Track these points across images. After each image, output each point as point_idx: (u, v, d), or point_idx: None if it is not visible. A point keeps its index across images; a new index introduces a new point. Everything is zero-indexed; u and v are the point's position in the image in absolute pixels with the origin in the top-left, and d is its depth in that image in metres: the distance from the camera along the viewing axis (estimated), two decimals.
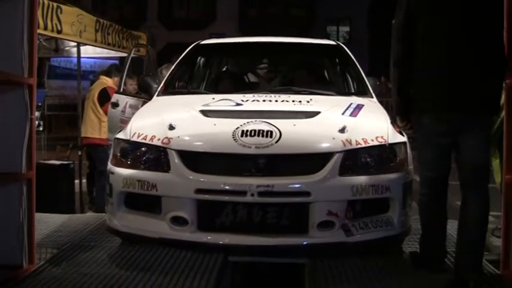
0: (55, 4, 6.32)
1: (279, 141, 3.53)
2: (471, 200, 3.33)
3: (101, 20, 8.15)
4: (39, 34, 5.19)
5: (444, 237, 3.56)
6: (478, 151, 3.32)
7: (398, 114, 3.67)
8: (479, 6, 3.24)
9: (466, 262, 3.33)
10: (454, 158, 3.44)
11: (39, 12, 5.61)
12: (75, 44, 7.91)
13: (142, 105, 5.30)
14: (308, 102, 4.27)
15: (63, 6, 6.44)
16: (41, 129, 8.64)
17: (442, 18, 3.31)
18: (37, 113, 5.62)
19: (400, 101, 3.58)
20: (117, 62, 11.20)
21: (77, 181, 5.96)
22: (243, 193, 3.43)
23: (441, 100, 3.31)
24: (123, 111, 5.53)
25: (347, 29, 29.56)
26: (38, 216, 4.44)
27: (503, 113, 3.52)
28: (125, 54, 7.77)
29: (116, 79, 7.20)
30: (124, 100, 5.63)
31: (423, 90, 3.38)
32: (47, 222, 5.02)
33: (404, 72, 3.49)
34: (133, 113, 5.33)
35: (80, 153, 7.36)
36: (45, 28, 6.01)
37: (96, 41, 7.87)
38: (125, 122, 5.40)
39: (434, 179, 3.45)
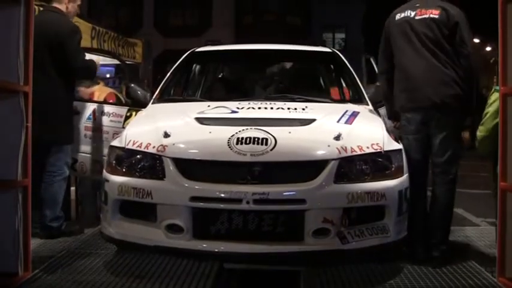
0: None
1: (274, 149, 3.53)
2: (439, 182, 4.11)
3: (97, 27, 8.18)
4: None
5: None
6: (444, 142, 4.05)
7: (389, 117, 4.56)
8: (426, 29, 4.11)
9: (436, 233, 4.06)
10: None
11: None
12: None
13: (128, 112, 5.29)
14: (303, 109, 4.27)
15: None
16: None
17: (401, 40, 4.20)
18: None
19: (388, 107, 4.50)
20: (113, 69, 11.23)
21: (72, 188, 5.95)
22: (238, 201, 3.42)
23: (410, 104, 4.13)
24: (90, 118, 5.45)
25: (342, 35, 29.68)
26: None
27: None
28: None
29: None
30: (88, 107, 5.46)
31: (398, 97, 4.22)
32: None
33: (386, 83, 4.37)
34: (111, 121, 5.35)
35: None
36: None
37: (91, 48, 7.87)
38: (96, 129, 5.38)
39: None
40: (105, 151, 5.03)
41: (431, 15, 4.11)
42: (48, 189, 4.80)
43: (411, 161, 4.01)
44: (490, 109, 4.05)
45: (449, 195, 4.11)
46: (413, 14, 4.18)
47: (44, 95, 4.50)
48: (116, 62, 9.02)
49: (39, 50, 4.45)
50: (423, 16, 4.14)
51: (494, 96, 4.02)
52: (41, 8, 5.57)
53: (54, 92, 4.72)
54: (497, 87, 3.95)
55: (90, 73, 5.10)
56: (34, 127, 4.20)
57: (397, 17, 4.27)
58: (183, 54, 5.55)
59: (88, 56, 5.16)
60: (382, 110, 5.40)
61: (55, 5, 4.84)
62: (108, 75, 11.68)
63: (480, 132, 4.16)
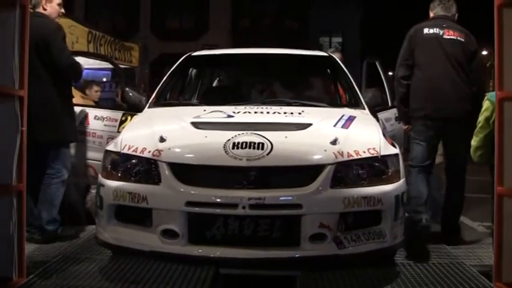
0: None
1: (271, 154, 3.51)
2: (453, 178, 4.95)
3: (93, 31, 8.18)
4: None
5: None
6: (457, 147, 4.77)
7: (401, 120, 5.19)
8: (453, 48, 4.76)
9: (450, 218, 4.95)
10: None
11: None
12: None
13: (123, 116, 5.28)
14: (300, 114, 4.27)
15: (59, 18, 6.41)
16: None
17: (429, 53, 4.76)
18: None
19: (403, 110, 4.96)
20: (109, 73, 11.22)
21: None
22: (234, 206, 3.40)
23: (435, 114, 4.72)
24: (82, 123, 5.43)
25: (339, 39, 29.72)
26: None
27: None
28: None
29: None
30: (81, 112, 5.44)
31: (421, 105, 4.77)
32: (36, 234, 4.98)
33: (406, 88, 4.85)
34: (105, 125, 5.33)
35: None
36: None
37: (88, 52, 7.87)
38: (90, 134, 5.37)
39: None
40: (95, 155, 5.05)
41: (459, 38, 4.79)
42: (46, 191, 4.81)
43: (417, 158, 4.79)
44: (481, 118, 4.10)
45: (462, 188, 4.94)
46: (441, 32, 4.79)
47: (39, 97, 4.51)
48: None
49: (29, 53, 4.49)
50: (451, 37, 4.79)
51: (485, 106, 4.06)
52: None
53: (47, 94, 4.74)
54: (489, 95, 4.00)
55: (77, 72, 5.08)
56: (32, 129, 4.26)
57: (425, 31, 4.83)
58: (180, 58, 5.55)
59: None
60: (382, 114, 5.41)
61: (36, 10, 4.87)
62: (104, 79, 11.68)
63: (474, 142, 4.20)
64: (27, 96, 4.36)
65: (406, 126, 5.11)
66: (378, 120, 4.92)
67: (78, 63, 5.02)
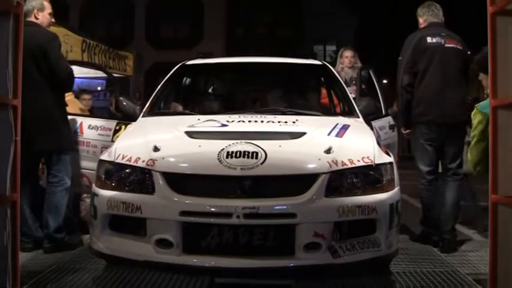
0: None
1: (265, 163, 3.51)
2: (451, 181, 5.11)
3: (87, 40, 8.18)
4: None
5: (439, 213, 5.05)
6: (455, 151, 5.06)
7: (403, 125, 5.39)
8: (454, 57, 5.01)
9: (446, 224, 5.03)
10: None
11: None
12: None
13: (117, 126, 5.27)
14: (294, 122, 4.26)
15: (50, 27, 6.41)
16: None
17: (433, 62, 4.96)
18: None
19: (406, 116, 5.22)
20: (103, 81, 11.22)
21: None
22: (228, 215, 3.39)
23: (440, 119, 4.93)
24: (76, 132, 5.43)
25: (333, 48, 29.79)
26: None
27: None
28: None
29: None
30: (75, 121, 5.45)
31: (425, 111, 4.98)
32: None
33: (411, 96, 5.09)
34: (99, 134, 5.33)
35: None
36: None
37: (82, 61, 7.87)
38: (84, 143, 5.36)
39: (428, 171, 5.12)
40: (89, 164, 5.05)
41: (458, 46, 5.05)
42: (51, 199, 4.89)
43: (425, 161, 5.11)
44: (475, 133, 4.13)
45: (459, 190, 5.15)
46: (443, 41, 5.03)
47: (37, 106, 4.65)
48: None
49: (24, 62, 4.50)
50: (452, 45, 5.04)
51: (478, 118, 4.08)
52: None
53: (46, 102, 4.81)
54: (480, 106, 4.03)
55: (73, 81, 5.16)
56: (32, 139, 4.42)
57: (429, 40, 5.04)
58: (175, 67, 5.55)
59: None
60: (376, 123, 5.43)
61: (28, 19, 4.89)
62: (99, 88, 11.68)
63: (471, 157, 4.23)
64: (25, 106, 4.44)
65: (407, 131, 5.36)
66: (372, 128, 4.92)
67: (72, 72, 5.05)
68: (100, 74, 9.48)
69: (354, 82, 6.67)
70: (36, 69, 4.77)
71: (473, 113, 4.63)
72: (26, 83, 4.52)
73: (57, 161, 4.92)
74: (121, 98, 5.09)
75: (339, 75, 5.91)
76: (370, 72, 6.34)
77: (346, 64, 6.89)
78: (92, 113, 7.47)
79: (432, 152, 5.12)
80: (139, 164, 3.66)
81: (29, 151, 4.65)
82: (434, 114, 5.02)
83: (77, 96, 7.51)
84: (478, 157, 4.19)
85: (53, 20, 5.19)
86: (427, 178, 5.13)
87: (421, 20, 5.32)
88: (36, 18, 4.97)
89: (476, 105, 4.55)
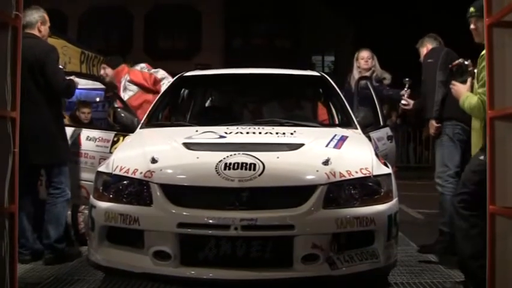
0: None
1: (262, 174, 3.51)
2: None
3: (86, 52, 8.20)
4: None
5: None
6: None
7: (435, 119, 5.24)
8: None
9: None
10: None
11: None
12: None
13: (115, 137, 5.27)
14: (292, 134, 4.27)
15: (48, 38, 6.44)
16: None
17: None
18: None
19: (441, 110, 5.19)
20: (102, 93, 11.22)
21: (68, 212, 5.91)
22: (226, 227, 3.38)
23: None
24: (75, 144, 5.43)
25: (332, 58, 29.87)
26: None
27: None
28: None
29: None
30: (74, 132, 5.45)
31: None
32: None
33: (446, 90, 5.00)
34: (97, 146, 5.33)
35: None
36: None
37: (81, 72, 7.88)
38: (82, 155, 5.37)
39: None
40: (87, 176, 5.05)
41: None
42: (52, 210, 4.92)
43: (455, 161, 5.10)
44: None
45: None
46: None
47: (35, 119, 4.69)
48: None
49: (23, 76, 4.52)
50: None
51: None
52: None
53: (43, 115, 4.83)
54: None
55: (70, 91, 5.18)
56: (30, 151, 4.52)
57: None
58: (173, 78, 5.56)
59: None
60: (374, 134, 5.43)
61: (27, 30, 4.91)
62: (97, 99, 11.68)
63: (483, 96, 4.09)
64: (23, 119, 4.45)
65: (438, 125, 5.27)
66: (370, 139, 4.93)
67: (72, 82, 5.11)
68: (98, 85, 9.47)
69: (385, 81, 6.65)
70: (34, 81, 4.79)
71: (479, 59, 4.45)
72: (24, 96, 4.58)
73: (58, 173, 4.96)
74: (119, 110, 5.10)
75: (352, 81, 5.96)
76: (368, 83, 6.35)
77: (362, 66, 6.59)
78: (91, 124, 7.47)
79: (460, 153, 5.12)
80: (137, 175, 3.66)
81: (27, 164, 4.70)
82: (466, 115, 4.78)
83: (76, 109, 7.53)
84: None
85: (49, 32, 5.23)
86: (456, 178, 5.02)
87: (429, 47, 5.56)
88: (39, 31, 5.01)
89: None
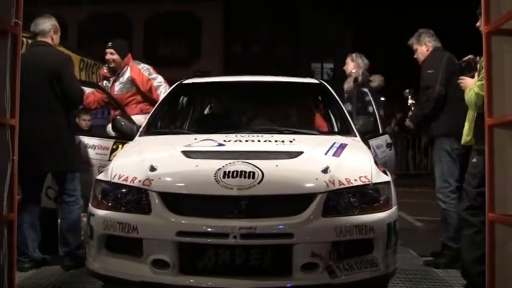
0: None
1: (262, 182, 3.50)
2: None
3: (85, 59, 8.19)
4: None
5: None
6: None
7: (415, 124, 5.56)
8: None
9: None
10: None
11: (22, 51, 5.62)
12: None
13: (114, 145, 5.27)
14: (291, 142, 4.26)
15: None
16: None
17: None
18: None
19: (423, 124, 5.41)
20: None
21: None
22: (225, 235, 3.37)
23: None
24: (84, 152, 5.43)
25: (331, 65, 29.89)
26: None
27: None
28: None
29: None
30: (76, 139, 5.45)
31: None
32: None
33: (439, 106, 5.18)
34: (96, 153, 5.33)
35: None
36: None
37: (80, 79, 7.87)
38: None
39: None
40: None
41: None
42: (69, 218, 4.98)
43: (455, 176, 5.13)
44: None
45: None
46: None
47: (51, 127, 4.84)
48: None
49: (38, 83, 4.82)
50: None
51: None
52: (29, 41, 5.66)
53: (59, 123, 4.93)
54: None
55: (82, 101, 5.35)
56: (44, 160, 4.74)
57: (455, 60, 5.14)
58: (173, 85, 5.56)
59: None
60: (373, 141, 5.43)
61: (40, 38, 4.96)
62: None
63: (482, 91, 4.10)
64: (37, 126, 4.66)
65: (413, 127, 5.57)
66: (369, 147, 4.92)
67: (83, 91, 5.26)
68: None
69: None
70: (51, 90, 4.88)
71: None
72: (39, 104, 4.83)
73: (71, 180, 5.02)
74: (118, 117, 5.10)
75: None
76: (367, 90, 6.35)
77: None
78: (91, 131, 7.48)
79: (459, 168, 5.12)
80: (136, 183, 3.65)
81: (39, 171, 4.91)
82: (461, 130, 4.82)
83: (76, 116, 7.52)
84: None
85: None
86: (457, 193, 5.07)
87: (428, 44, 5.48)
88: (52, 39, 5.06)
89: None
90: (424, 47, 5.50)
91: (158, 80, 6.36)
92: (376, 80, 6.87)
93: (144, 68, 6.48)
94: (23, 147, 4.78)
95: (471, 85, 4.30)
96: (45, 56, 4.93)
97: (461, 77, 4.61)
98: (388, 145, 5.91)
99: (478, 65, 4.28)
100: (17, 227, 4.76)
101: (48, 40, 5.05)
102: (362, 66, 6.76)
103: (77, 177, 5.06)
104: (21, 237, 4.83)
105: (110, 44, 6.48)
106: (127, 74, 6.36)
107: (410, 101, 5.73)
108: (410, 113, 5.79)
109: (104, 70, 6.61)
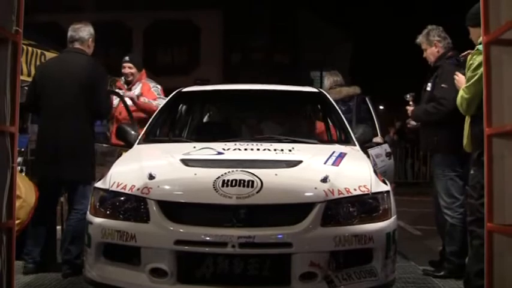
0: (39, 51, 6.36)
1: (260, 191, 3.49)
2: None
3: None
4: (23, 80, 5.24)
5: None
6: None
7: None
8: None
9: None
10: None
11: (22, 59, 5.64)
12: None
13: (119, 152, 5.28)
14: (290, 150, 4.25)
15: (46, 53, 6.47)
16: (23, 174, 8.59)
17: None
18: (20, 159, 5.59)
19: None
20: None
21: (58, 227, 5.89)
22: (223, 244, 3.36)
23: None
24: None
25: None
26: (18, 264, 4.39)
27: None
28: None
29: None
30: None
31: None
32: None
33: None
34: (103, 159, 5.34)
35: (62, 199, 7.27)
36: (29, 75, 6.00)
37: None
38: None
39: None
40: None
41: None
42: (75, 226, 4.92)
43: (459, 191, 5.04)
44: (479, 71, 3.99)
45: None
46: None
47: (76, 134, 4.88)
48: None
49: (71, 90, 4.86)
50: None
51: (480, 58, 3.97)
52: (29, 48, 5.68)
53: (84, 132, 4.98)
54: (480, 47, 3.99)
55: (110, 113, 5.51)
56: (67, 167, 4.80)
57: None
58: (172, 93, 5.57)
59: None
60: (372, 151, 5.42)
61: (78, 46, 5.04)
62: None
63: (468, 93, 4.10)
64: (64, 132, 4.79)
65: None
66: (368, 156, 4.92)
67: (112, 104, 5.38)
68: None
69: None
70: (82, 99, 4.89)
71: (472, 55, 4.36)
72: (68, 112, 4.87)
73: (84, 189, 4.99)
74: (121, 125, 5.12)
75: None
76: (367, 99, 6.36)
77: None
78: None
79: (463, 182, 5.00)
80: (134, 191, 3.64)
81: (59, 178, 4.93)
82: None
83: None
84: (475, 95, 4.08)
85: None
86: (464, 208, 4.86)
87: (439, 45, 5.26)
88: (88, 47, 5.07)
89: (477, 47, 4.35)
90: (434, 47, 5.28)
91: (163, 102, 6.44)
92: (343, 92, 6.79)
93: (155, 87, 6.60)
94: (45, 152, 4.94)
95: (462, 86, 4.28)
96: (83, 66, 4.94)
97: (457, 73, 4.54)
98: (388, 154, 5.91)
99: (466, 67, 4.24)
100: (31, 228, 4.95)
101: (85, 48, 5.08)
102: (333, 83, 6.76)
103: (89, 188, 5.00)
104: (33, 239, 4.97)
105: (127, 58, 6.66)
106: (138, 89, 6.47)
107: (411, 108, 5.53)
108: (409, 122, 5.71)
109: (121, 82, 6.73)
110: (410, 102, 5.54)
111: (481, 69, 3.92)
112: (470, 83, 4.12)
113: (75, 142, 4.87)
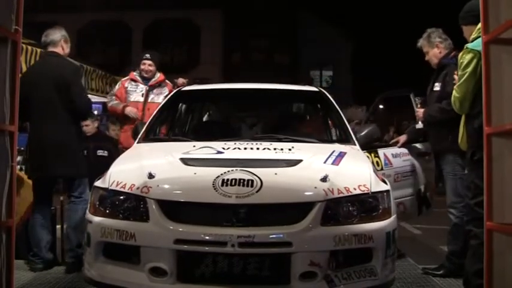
0: (38, 50, 6.35)
1: (260, 191, 3.49)
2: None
3: (85, 66, 8.20)
4: None
5: None
6: None
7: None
8: None
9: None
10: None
11: (22, 58, 5.65)
12: None
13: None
14: (290, 150, 4.25)
15: None
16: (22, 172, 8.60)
17: None
18: (20, 158, 5.61)
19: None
20: (100, 106, 11.23)
21: (58, 226, 5.89)
22: (223, 244, 3.36)
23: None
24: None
25: (330, 73, 29.96)
26: (18, 263, 4.40)
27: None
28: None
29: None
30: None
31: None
32: (27, 270, 4.98)
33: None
34: None
35: (61, 197, 7.27)
36: None
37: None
38: None
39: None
40: None
41: None
42: (73, 216, 5.15)
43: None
44: (469, 69, 3.99)
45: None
46: None
47: (61, 134, 5.02)
48: (104, 99, 9.02)
49: (48, 92, 5.01)
50: None
51: (470, 56, 3.97)
52: (29, 48, 5.71)
53: (67, 131, 5.09)
54: (470, 45, 3.98)
55: (90, 112, 5.58)
56: (54, 166, 4.98)
57: None
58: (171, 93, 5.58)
59: None
60: (389, 150, 5.39)
61: (51, 49, 5.19)
62: (95, 112, 11.66)
63: (460, 93, 4.11)
64: (47, 135, 4.94)
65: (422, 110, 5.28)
66: (378, 156, 4.90)
67: (91, 102, 5.41)
68: (97, 98, 9.48)
69: None
70: (60, 99, 5.01)
71: (462, 54, 4.35)
72: (49, 113, 5.04)
73: (79, 185, 5.20)
74: (138, 124, 5.26)
75: None
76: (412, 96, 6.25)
77: None
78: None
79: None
80: (134, 191, 3.64)
81: (50, 176, 5.17)
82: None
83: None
84: (466, 93, 4.08)
85: None
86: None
87: (441, 46, 5.24)
88: (62, 49, 5.16)
89: (466, 45, 4.34)
90: (436, 49, 5.25)
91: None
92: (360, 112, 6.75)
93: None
94: (34, 153, 5.12)
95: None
96: (55, 66, 5.07)
97: (455, 72, 4.51)
98: (422, 154, 5.81)
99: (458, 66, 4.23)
100: (30, 229, 5.12)
101: (59, 50, 5.20)
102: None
103: (84, 181, 5.22)
104: (35, 239, 5.11)
105: (148, 55, 6.75)
106: (165, 89, 6.57)
107: (421, 110, 5.44)
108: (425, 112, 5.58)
109: (134, 74, 6.77)
110: (419, 105, 5.51)
111: (471, 68, 4.00)
112: (460, 81, 4.12)
113: (58, 142, 5.02)
